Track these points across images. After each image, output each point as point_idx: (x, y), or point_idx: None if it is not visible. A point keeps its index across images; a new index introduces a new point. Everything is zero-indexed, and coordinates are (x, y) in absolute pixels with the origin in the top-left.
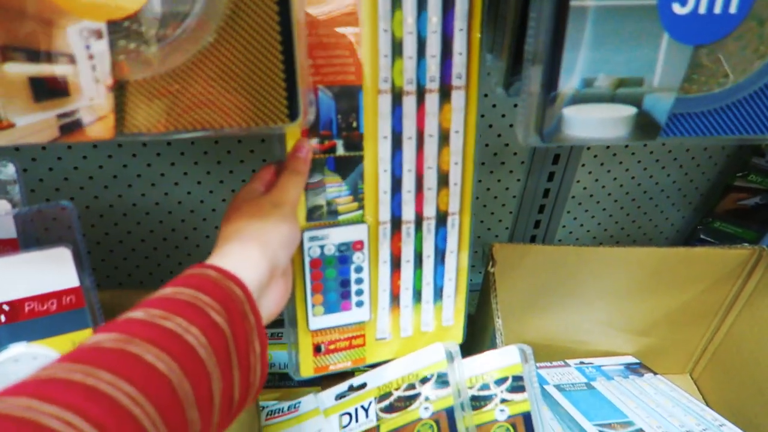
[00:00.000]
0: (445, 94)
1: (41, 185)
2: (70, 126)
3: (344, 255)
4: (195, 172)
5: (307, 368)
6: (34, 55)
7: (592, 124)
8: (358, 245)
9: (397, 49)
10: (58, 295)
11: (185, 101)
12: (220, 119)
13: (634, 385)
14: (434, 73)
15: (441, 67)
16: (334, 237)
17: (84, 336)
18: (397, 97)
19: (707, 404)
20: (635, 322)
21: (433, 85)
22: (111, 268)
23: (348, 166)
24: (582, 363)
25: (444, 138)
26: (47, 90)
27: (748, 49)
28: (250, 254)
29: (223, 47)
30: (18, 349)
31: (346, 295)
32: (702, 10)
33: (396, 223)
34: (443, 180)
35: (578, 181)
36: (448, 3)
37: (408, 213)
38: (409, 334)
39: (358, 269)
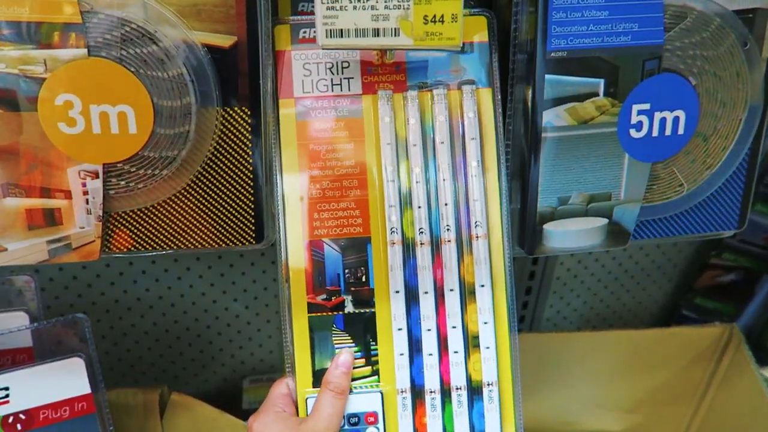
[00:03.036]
0: (464, 244)
1: (51, 284)
2: (60, 250)
3: (356, 430)
4: (197, 267)
5: None
6: (33, 191)
7: (570, 236)
8: (371, 418)
9: (405, 198)
10: (70, 402)
11: (164, 227)
12: (195, 241)
13: None
14: (449, 222)
15: (456, 216)
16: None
17: None
18: (408, 248)
19: None
20: (622, 401)
21: (449, 234)
22: (117, 364)
23: (358, 325)
24: None
25: (469, 293)
26: (41, 220)
27: (697, 162)
28: None
29: (202, 184)
30: None
31: None
32: (655, 133)
33: (418, 392)
34: (473, 342)
35: (562, 263)
36: (458, 148)
37: (432, 380)
38: None
39: None
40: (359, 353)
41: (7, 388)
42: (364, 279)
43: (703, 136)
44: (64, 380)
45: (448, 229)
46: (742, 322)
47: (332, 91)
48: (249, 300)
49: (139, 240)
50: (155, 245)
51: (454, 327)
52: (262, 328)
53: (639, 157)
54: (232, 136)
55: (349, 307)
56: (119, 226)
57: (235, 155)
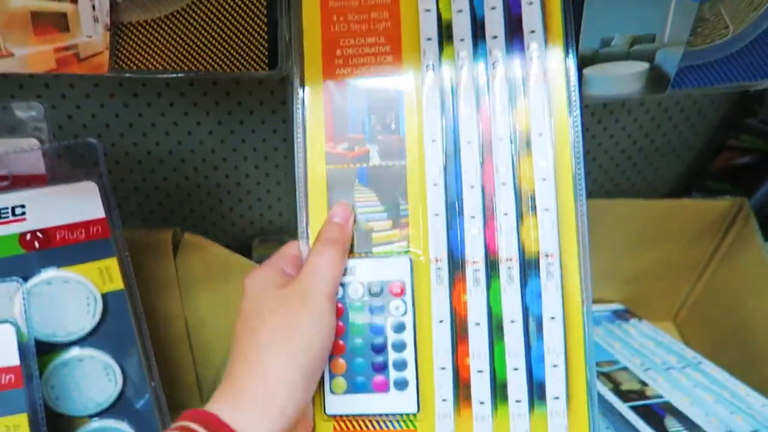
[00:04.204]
0: (517, 84)
1: (60, 132)
2: (68, 59)
3: (378, 303)
4: (207, 123)
5: None
6: None
7: (611, 81)
8: (396, 288)
9: (445, 30)
10: (86, 225)
11: (175, 44)
12: (206, 63)
13: (621, 329)
14: (498, 57)
15: (507, 47)
16: (364, 273)
17: (109, 264)
18: (449, 89)
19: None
20: (623, 272)
21: (495, 71)
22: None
23: (386, 180)
24: None
25: (523, 143)
26: (47, 25)
27: (744, 2)
28: (271, 399)
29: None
30: (50, 273)
31: (380, 368)
32: None
33: (456, 262)
34: (528, 204)
35: None
36: None
37: (474, 249)
38: None
39: (398, 327)
40: (385, 214)
41: (23, 206)
42: (393, 125)
43: None
44: (79, 203)
45: (494, 65)
46: (753, 202)
47: None
48: (259, 160)
49: (148, 56)
50: (165, 63)
51: (503, 184)
52: (272, 189)
53: None
54: None
55: (375, 159)
56: (128, 39)
57: None
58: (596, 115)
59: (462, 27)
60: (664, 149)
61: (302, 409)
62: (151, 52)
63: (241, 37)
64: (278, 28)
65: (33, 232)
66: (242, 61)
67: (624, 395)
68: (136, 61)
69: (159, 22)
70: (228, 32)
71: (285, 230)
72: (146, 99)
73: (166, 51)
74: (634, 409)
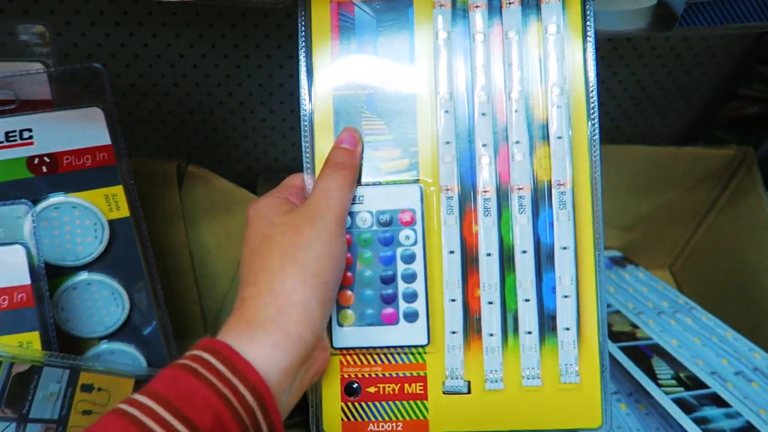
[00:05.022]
0: (533, 5)
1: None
2: None
3: (387, 233)
4: (212, 55)
5: (333, 422)
6: None
7: (614, 16)
8: (406, 217)
9: None
10: (92, 151)
11: None
12: None
13: (617, 275)
14: None
15: None
16: (372, 201)
17: (115, 191)
18: (460, 12)
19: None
20: (623, 219)
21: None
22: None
23: (394, 106)
24: None
25: (537, 70)
26: None
27: None
28: (287, 325)
29: None
30: (58, 198)
31: (390, 300)
32: None
33: (467, 191)
34: (540, 130)
35: None
36: None
37: (485, 177)
38: (499, 386)
39: (408, 257)
40: (393, 142)
41: (30, 130)
42: (404, 50)
43: None
44: (85, 129)
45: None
46: (760, 152)
47: None
48: (264, 96)
49: None
50: None
51: (516, 111)
52: (277, 126)
53: None
54: None
55: (385, 85)
56: None
57: None
58: (606, 59)
59: None
60: (674, 96)
61: (320, 335)
62: None
63: None
64: None
65: (40, 157)
66: None
67: (615, 336)
68: None
69: None
70: None
71: (290, 168)
72: (152, 29)
73: None
74: (623, 349)
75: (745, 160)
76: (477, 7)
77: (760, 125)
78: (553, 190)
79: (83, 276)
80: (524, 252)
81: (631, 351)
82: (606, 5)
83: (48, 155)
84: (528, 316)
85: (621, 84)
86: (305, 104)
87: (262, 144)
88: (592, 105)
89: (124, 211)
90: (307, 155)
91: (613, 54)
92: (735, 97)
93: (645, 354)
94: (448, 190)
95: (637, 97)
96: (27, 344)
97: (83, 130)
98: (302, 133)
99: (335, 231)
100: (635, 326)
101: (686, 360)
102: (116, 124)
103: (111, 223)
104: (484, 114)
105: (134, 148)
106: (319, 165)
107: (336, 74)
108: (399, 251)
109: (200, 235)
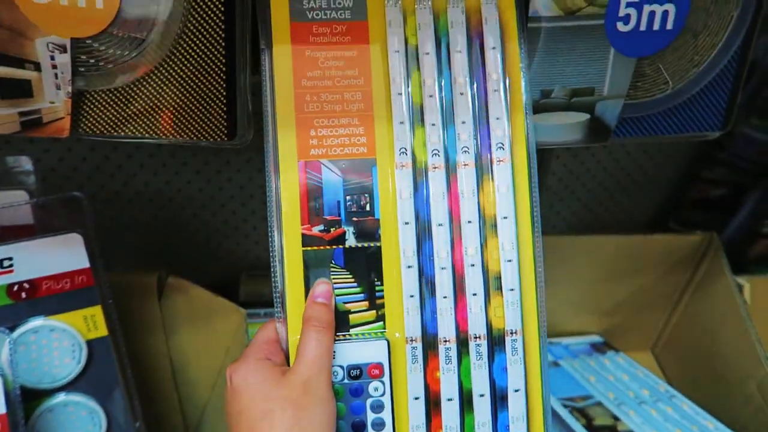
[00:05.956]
0: (484, 168)
1: (52, 174)
2: (31, 123)
3: (357, 384)
4: (194, 163)
5: None
6: (5, 59)
7: (551, 130)
8: (375, 370)
9: (416, 114)
10: (71, 275)
11: (134, 112)
12: (165, 130)
13: (597, 362)
14: (467, 142)
15: (475, 136)
16: (343, 356)
17: (94, 312)
18: (420, 173)
19: (666, 377)
20: (601, 304)
21: (466, 157)
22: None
23: (361, 261)
24: (551, 343)
25: (490, 226)
26: (13, 90)
27: (684, 59)
28: None
29: (171, 69)
30: (37, 322)
31: None
32: (643, 27)
33: (430, 342)
34: (494, 284)
35: (553, 173)
36: (477, 58)
37: (446, 328)
38: None
39: (376, 406)
40: (362, 295)
41: (11, 258)
42: (368, 207)
43: (692, 32)
44: (64, 254)
45: (465, 152)
46: (726, 235)
47: None
48: (245, 198)
49: (109, 122)
50: (127, 129)
51: (472, 265)
52: (258, 225)
53: (625, 52)
54: (204, 23)
55: (351, 241)
56: (90, 105)
57: (206, 43)
58: (572, 150)
59: (432, 111)
60: (641, 181)
61: None
62: (113, 118)
63: (199, 107)
64: (239, 97)
65: (20, 284)
66: (200, 129)
67: (596, 430)
68: (99, 126)
69: (120, 91)
70: (186, 101)
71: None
72: (134, 142)
73: (127, 118)
74: None
75: (711, 245)
76: (435, 168)
77: (726, 206)
78: (507, 339)
79: (60, 398)
80: (482, 395)
81: None
82: (542, 120)
83: (28, 281)
84: None
85: (590, 172)
86: (276, 267)
87: (243, 243)
88: (538, 259)
89: (102, 331)
90: (278, 307)
91: (581, 147)
92: (699, 179)
93: None
94: (413, 340)
95: (606, 183)
96: None
97: (63, 255)
98: (273, 285)
99: (329, 396)
100: (617, 418)
101: None
102: (96, 248)
103: (89, 342)
104: (443, 268)
105: (118, 253)
106: (290, 316)
107: (305, 230)
108: (368, 402)
109: (180, 342)
